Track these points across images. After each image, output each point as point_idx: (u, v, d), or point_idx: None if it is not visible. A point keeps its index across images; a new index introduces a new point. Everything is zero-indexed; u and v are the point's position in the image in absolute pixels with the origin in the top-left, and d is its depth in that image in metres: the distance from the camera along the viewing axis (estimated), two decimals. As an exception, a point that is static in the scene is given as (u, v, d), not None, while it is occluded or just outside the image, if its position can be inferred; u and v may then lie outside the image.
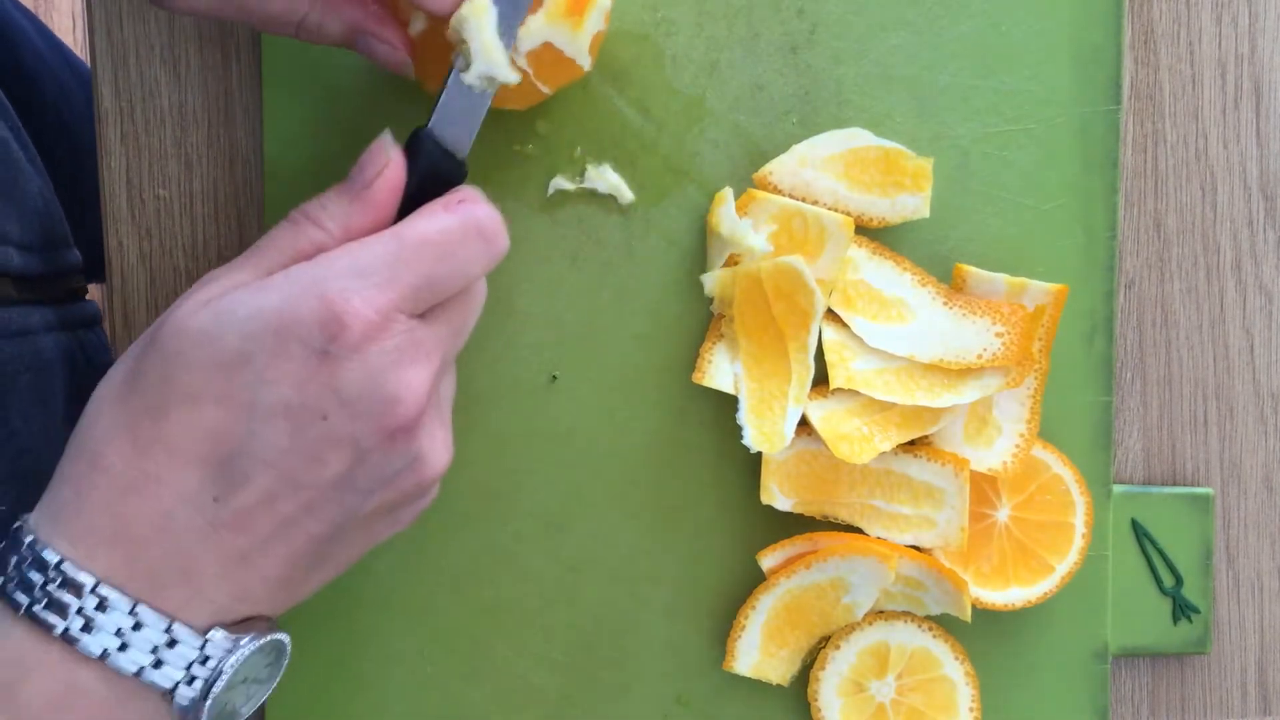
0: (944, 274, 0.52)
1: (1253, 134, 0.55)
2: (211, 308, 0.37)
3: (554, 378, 0.52)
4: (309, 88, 0.50)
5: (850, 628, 0.52)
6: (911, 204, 0.51)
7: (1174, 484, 0.56)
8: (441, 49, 0.43)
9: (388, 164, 0.39)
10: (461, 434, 0.51)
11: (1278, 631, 0.56)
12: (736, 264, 0.50)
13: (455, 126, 0.41)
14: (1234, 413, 0.56)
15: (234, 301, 0.37)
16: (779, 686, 0.52)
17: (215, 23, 0.51)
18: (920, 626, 0.52)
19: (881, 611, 0.52)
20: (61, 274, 0.58)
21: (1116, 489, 0.54)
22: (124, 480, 0.37)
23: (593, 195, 0.51)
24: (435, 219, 0.38)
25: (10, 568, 0.37)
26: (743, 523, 0.52)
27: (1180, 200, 0.55)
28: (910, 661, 0.52)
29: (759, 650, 0.52)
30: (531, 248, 0.51)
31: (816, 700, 0.52)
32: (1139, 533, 0.54)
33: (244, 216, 0.52)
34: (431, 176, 0.39)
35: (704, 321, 0.52)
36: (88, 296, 0.63)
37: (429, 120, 0.40)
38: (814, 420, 0.50)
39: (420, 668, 0.52)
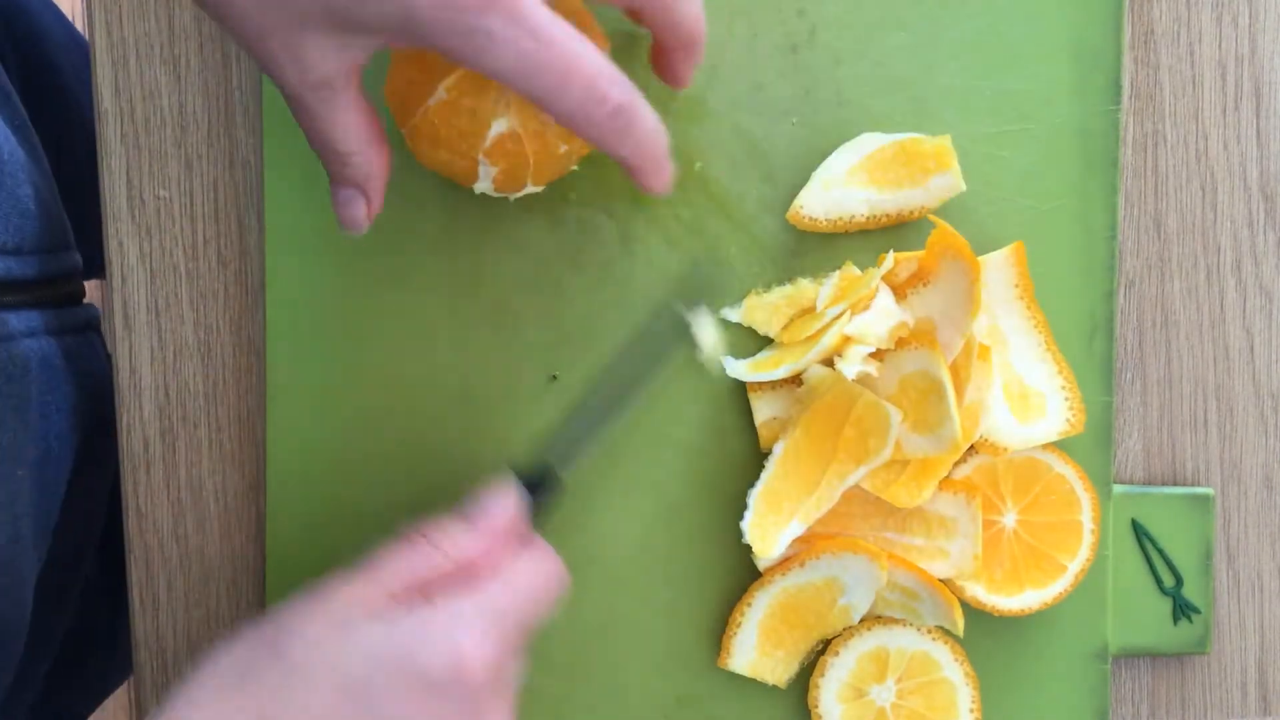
0: (944, 274, 0.52)
1: (1253, 134, 0.55)
2: (344, 632, 0.39)
3: (554, 378, 0.52)
4: (309, 88, 0.50)
5: (849, 633, 0.52)
6: (945, 183, 0.50)
7: (1174, 484, 0.56)
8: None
9: (510, 504, 0.44)
10: (461, 434, 0.51)
11: (1278, 631, 0.56)
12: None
13: (568, 456, 0.47)
14: (1234, 413, 0.56)
15: (367, 632, 0.39)
16: (780, 688, 0.52)
17: (215, 22, 0.51)
18: (919, 631, 0.52)
19: (880, 617, 0.52)
20: (62, 277, 0.58)
21: (1116, 489, 0.54)
22: None
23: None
24: (539, 571, 0.43)
25: None
26: (743, 523, 0.52)
27: (1180, 200, 0.55)
28: (910, 665, 0.52)
29: (755, 649, 0.52)
30: (532, 248, 0.51)
31: (817, 707, 0.52)
32: (1139, 533, 0.54)
33: (244, 216, 0.52)
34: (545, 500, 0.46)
35: (704, 321, 0.52)
36: (85, 299, 0.62)
37: (548, 450, 0.46)
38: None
39: (420, 668, 0.52)
